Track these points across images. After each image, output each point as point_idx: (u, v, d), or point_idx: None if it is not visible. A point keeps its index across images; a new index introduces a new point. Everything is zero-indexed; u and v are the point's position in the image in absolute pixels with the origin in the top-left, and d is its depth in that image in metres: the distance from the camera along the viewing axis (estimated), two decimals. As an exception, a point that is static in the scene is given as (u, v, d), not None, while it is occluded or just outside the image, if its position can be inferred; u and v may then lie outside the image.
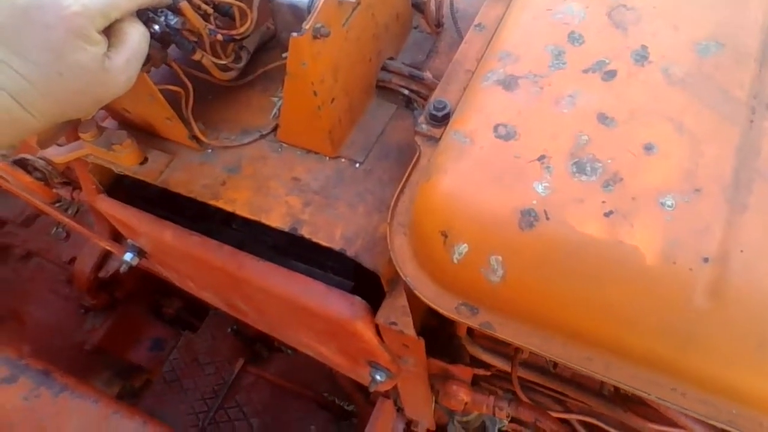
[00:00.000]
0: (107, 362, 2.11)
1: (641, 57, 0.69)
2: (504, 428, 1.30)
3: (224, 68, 0.94)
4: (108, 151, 0.89)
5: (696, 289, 0.55)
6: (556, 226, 0.60)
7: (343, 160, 0.94)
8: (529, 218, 0.61)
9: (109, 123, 1.03)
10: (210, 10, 0.83)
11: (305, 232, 0.87)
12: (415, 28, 1.07)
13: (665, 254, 0.56)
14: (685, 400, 0.58)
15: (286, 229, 0.87)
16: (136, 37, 0.69)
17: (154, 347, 2.18)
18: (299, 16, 0.85)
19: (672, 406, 0.59)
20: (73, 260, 2.07)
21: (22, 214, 2.26)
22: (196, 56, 0.85)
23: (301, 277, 0.89)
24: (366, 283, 0.87)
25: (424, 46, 1.04)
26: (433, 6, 1.01)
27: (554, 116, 0.67)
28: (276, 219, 0.88)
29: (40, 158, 1.02)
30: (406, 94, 0.95)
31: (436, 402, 1.15)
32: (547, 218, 0.60)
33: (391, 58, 0.98)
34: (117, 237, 1.41)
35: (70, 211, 1.68)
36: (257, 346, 2.16)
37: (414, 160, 0.75)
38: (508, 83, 0.71)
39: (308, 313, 0.91)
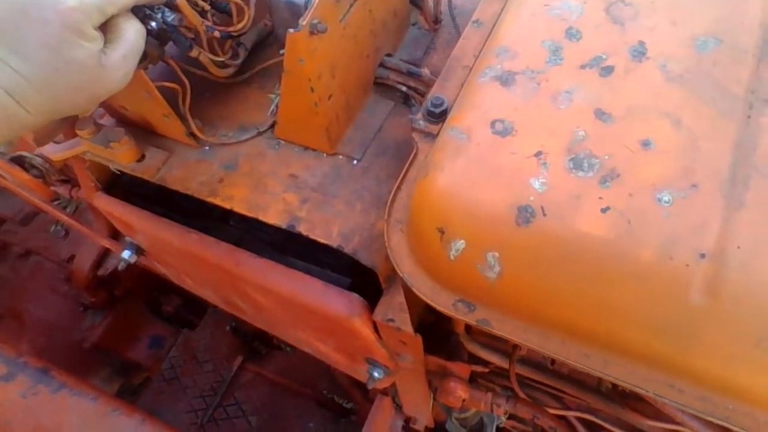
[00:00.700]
0: (106, 360, 2.12)
1: (639, 53, 0.69)
2: (502, 425, 1.29)
3: (221, 65, 0.93)
4: (105, 148, 0.89)
5: (693, 286, 0.55)
6: (553, 223, 0.60)
7: (340, 156, 0.93)
8: (525, 214, 0.60)
9: (107, 120, 1.02)
10: (207, 7, 0.83)
11: (303, 229, 0.87)
12: (413, 24, 1.06)
13: (662, 250, 0.56)
14: (682, 396, 0.58)
15: (284, 226, 0.87)
16: (132, 33, 0.68)
17: (153, 345, 2.18)
18: (296, 12, 0.85)
19: (669, 402, 0.59)
20: (71, 258, 2.07)
21: (20, 212, 2.26)
22: (193, 53, 0.85)
23: (299, 274, 0.89)
24: (363, 280, 0.87)
25: (422, 42, 1.04)
26: (430, 2, 1.01)
27: (551, 112, 0.66)
28: (273, 216, 0.88)
29: (37, 155, 1.02)
30: (403, 90, 0.95)
31: (434, 399, 1.15)
32: (544, 214, 0.60)
33: (388, 55, 0.98)
34: (115, 235, 1.41)
35: (69, 209, 1.68)
36: (256, 343, 2.16)
37: (411, 156, 0.75)
38: (506, 79, 0.71)
39: (306, 310, 0.90)
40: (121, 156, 0.91)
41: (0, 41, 0.60)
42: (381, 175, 0.91)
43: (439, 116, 0.74)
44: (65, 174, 1.43)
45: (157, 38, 0.78)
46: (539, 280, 0.61)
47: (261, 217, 0.88)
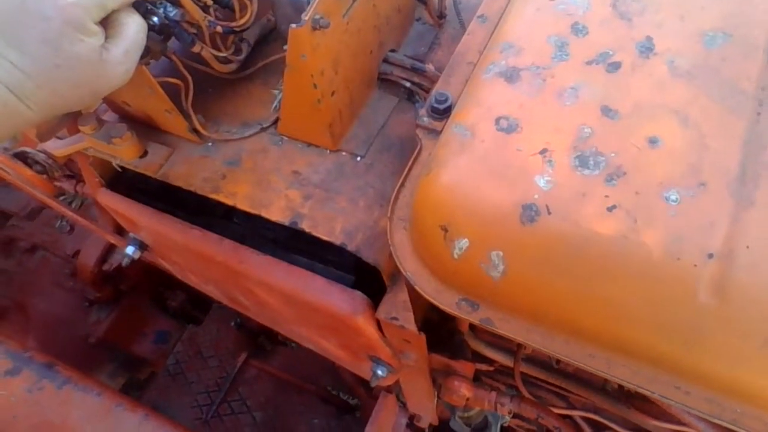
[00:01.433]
0: (111, 355, 2.12)
1: (646, 48, 0.68)
2: (506, 424, 1.29)
3: (224, 60, 0.93)
4: (108, 144, 0.89)
5: (700, 286, 0.54)
6: (558, 221, 0.59)
7: (343, 153, 0.93)
8: (530, 213, 0.60)
9: (109, 116, 1.02)
10: (209, 2, 0.82)
11: (305, 226, 0.86)
12: (418, 20, 1.05)
13: (669, 250, 0.55)
14: (689, 398, 0.57)
15: (287, 223, 0.87)
16: (133, 28, 0.68)
17: (158, 340, 2.19)
18: (299, 7, 0.84)
19: (676, 404, 0.58)
20: (77, 253, 2.07)
21: (26, 208, 2.27)
22: (196, 48, 0.84)
23: (302, 272, 0.88)
24: (367, 278, 0.86)
25: (427, 38, 1.03)
26: (435, -3, 1.00)
27: (557, 109, 0.65)
28: (276, 213, 0.88)
29: (41, 151, 1.01)
30: (407, 86, 0.94)
31: (438, 397, 1.15)
32: (549, 213, 0.59)
33: (392, 50, 0.97)
34: (120, 230, 1.41)
35: (74, 204, 1.69)
36: (260, 339, 2.17)
37: (415, 153, 0.74)
38: (511, 75, 0.70)
39: (309, 307, 0.90)
40: (124, 152, 0.91)
41: (0, 37, 0.59)
42: (384, 171, 0.90)
43: (443, 112, 0.73)
44: (70, 169, 1.43)
45: (159, 33, 0.77)
46: (544, 280, 0.60)
47: (264, 214, 0.88)
